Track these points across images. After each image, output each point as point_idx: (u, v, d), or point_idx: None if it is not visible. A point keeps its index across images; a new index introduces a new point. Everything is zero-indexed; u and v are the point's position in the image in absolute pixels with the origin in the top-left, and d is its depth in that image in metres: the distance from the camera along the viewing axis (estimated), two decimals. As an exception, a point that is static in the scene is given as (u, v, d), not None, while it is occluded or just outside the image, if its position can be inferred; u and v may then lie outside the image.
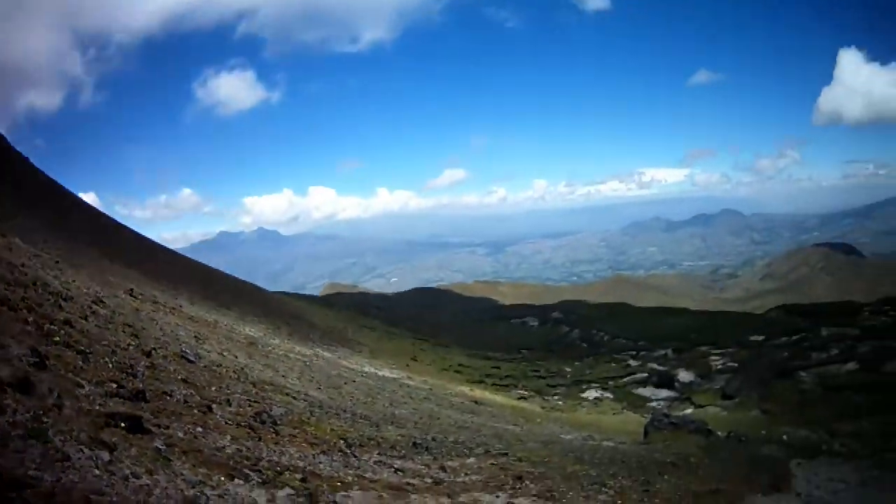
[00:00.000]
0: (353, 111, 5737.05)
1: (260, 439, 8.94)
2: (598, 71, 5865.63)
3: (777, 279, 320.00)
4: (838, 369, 64.66)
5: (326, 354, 31.79)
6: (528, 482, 9.11)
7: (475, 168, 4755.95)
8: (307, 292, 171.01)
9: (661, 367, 73.88)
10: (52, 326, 9.11)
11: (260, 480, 6.69)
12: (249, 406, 11.17)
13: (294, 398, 15.07)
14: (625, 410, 50.99)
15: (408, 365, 45.57)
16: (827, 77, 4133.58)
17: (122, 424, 6.19)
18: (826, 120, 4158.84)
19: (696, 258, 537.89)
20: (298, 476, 7.48)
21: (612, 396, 57.70)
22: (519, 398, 42.86)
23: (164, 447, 6.34)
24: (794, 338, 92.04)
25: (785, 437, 27.43)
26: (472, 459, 12.07)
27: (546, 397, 52.24)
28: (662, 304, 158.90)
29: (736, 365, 65.16)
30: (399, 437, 14.12)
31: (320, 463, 9.17)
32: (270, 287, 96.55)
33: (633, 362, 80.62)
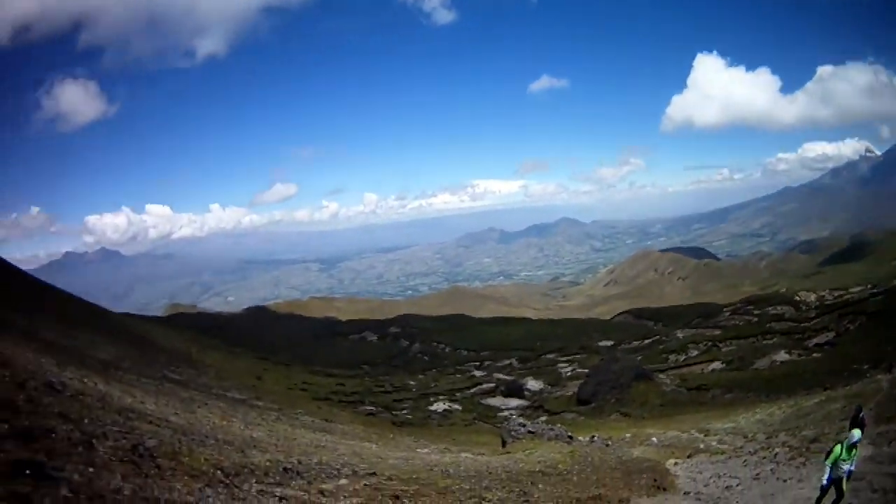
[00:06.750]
0: (185, 125, 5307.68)
1: (146, 476, 8.07)
2: (436, 83, 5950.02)
3: (622, 284, 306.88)
4: (702, 370, 65.18)
5: (174, 377, 29.17)
6: (405, 501, 8.45)
7: (305, 182, 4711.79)
8: (150, 313, 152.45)
9: (507, 377, 72.86)
10: None
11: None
12: (124, 438, 9.97)
13: (158, 426, 13.71)
14: (476, 421, 48.71)
15: (254, 385, 42.93)
16: (679, 84, 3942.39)
17: (28, 472, 5.40)
18: (675, 127, 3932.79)
19: (534, 268, 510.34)
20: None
21: (460, 408, 56.07)
22: (368, 414, 41.36)
23: (70, 494, 5.62)
24: (647, 341, 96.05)
25: (654, 438, 25.77)
26: (344, 481, 11.63)
27: (394, 412, 49.29)
28: (502, 314, 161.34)
29: (587, 371, 63.96)
30: (268, 463, 13.35)
31: (209, 497, 8.38)
32: (115, 308, 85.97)
33: (477, 373, 79.80)
